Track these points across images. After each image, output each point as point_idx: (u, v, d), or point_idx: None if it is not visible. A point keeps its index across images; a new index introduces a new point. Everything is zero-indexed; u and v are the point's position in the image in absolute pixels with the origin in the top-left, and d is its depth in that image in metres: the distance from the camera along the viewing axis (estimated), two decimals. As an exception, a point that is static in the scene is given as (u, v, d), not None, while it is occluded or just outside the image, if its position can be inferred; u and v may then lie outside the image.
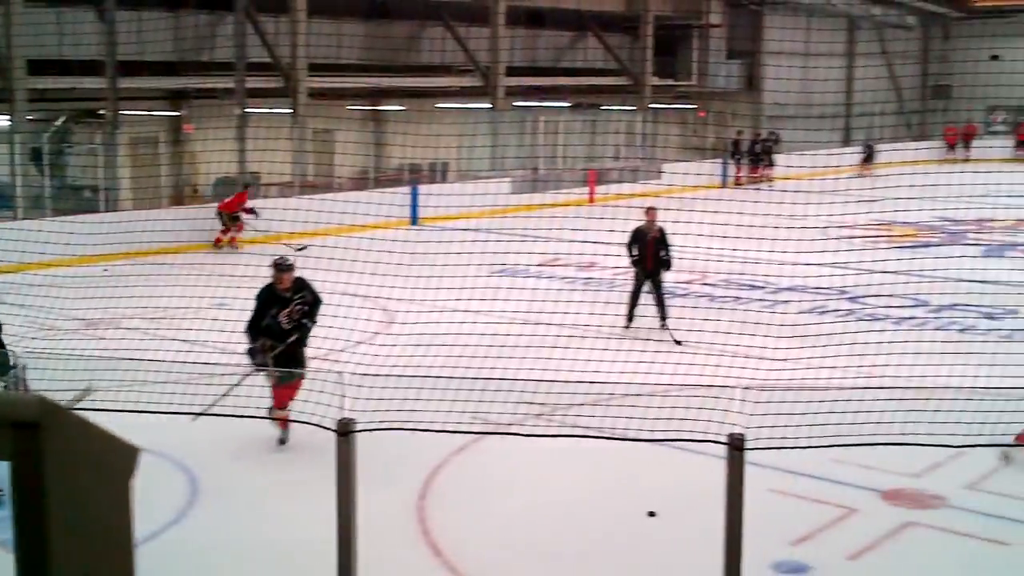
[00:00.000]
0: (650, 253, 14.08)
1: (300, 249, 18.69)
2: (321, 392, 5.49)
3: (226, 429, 8.62)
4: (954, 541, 8.13)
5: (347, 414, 4.48)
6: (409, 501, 8.61)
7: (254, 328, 9.80)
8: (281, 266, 9.94)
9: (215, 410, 7.06)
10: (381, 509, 8.27)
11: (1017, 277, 17.25)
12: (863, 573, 7.58)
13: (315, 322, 9.99)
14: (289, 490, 8.90)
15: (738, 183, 32.65)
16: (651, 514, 8.32)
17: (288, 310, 9.82)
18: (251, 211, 20.96)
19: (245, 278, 11.01)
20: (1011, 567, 7.74)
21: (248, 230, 20.98)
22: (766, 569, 7.45)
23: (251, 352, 9.77)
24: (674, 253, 14.39)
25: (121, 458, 2.61)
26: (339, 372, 6.73)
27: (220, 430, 8.70)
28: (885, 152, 34.69)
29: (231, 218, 21.16)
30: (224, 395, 8.75)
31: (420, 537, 8.01)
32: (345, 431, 4.36)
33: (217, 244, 21.14)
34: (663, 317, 14.04)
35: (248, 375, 9.38)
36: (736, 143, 33.83)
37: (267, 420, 9.57)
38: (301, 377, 9.34)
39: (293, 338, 9.80)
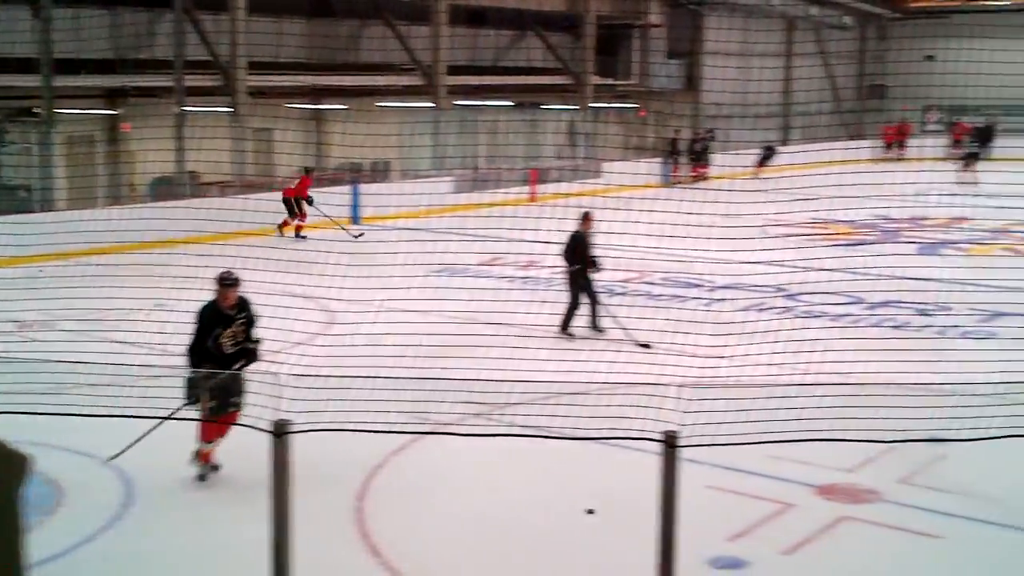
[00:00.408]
0: (588, 258, 13.96)
1: (358, 236, 18.59)
2: (257, 393, 5.46)
3: (161, 430, 8.54)
4: (888, 535, 8.25)
5: (283, 415, 4.47)
6: (348, 502, 8.59)
7: (197, 352, 8.94)
8: (227, 281, 9.12)
9: (145, 412, 6.97)
10: (319, 510, 8.25)
11: (950, 274, 17.56)
12: (798, 567, 7.67)
13: (259, 342, 9.22)
14: (225, 492, 8.84)
15: (675, 182, 32.87)
16: (590, 512, 8.37)
17: (232, 330, 9.03)
18: (308, 198, 21.87)
19: (187, 279, 10.91)
20: (944, 560, 7.87)
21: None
22: (703, 564, 7.53)
23: (191, 383, 8.78)
24: (615, 252, 14.49)
25: (7, 467, 2.52)
26: (275, 373, 6.70)
27: (155, 432, 8.61)
28: (815, 152, 35.03)
29: (297, 203, 22.01)
30: (152, 429, 8.41)
31: (359, 538, 7.99)
32: (280, 432, 4.34)
33: (282, 228, 21.89)
34: (598, 316, 13.97)
35: (179, 409, 8.58)
36: (674, 142, 34.09)
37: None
38: (238, 409, 8.74)
39: (240, 363, 8.97)
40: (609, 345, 13.06)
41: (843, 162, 33.00)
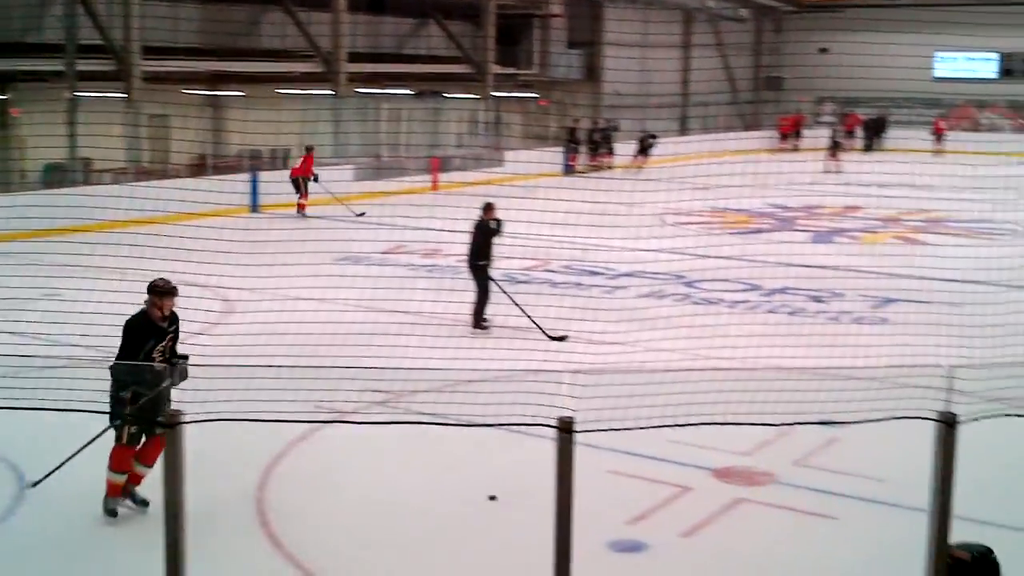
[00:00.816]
0: (477, 249, 13.72)
1: (360, 215, 18.42)
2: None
3: (54, 421, 8.34)
4: (783, 516, 8.43)
5: (177, 406, 4.40)
6: (248, 492, 8.49)
7: (124, 369, 7.89)
8: (163, 290, 8.13)
9: (41, 404, 6.74)
10: (220, 502, 8.15)
11: (843, 261, 17.97)
12: (696, 549, 7.80)
13: (186, 358, 8.23)
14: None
15: (573, 170, 33.10)
16: (492, 498, 8.40)
17: (163, 345, 8.07)
18: (313, 176, 22.98)
19: (78, 267, 10.69)
20: (838, 540, 8.05)
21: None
22: (603, 548, 7.62)
23: (117, 402, 7.80)
24: (517, 240, 14.53)
25: None
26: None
27: (48, 423, 8.41)
28: (709, 142, 35.61)
29: (304, 181, 22.98)
30: (76, 453, 7.80)
31: (259, 528, 7.91)
32: (172, 423, 4.27)
33: (300, 209, 22.95)
34: (481, 316, 13.68)
35: (104, 432, 7.86)
36: (572, 131, 34.31)
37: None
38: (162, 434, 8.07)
39: (168, 382, 7.80)
40: (512, 333, 13.09)
41: (740, 152, 33.65)
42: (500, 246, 14.06)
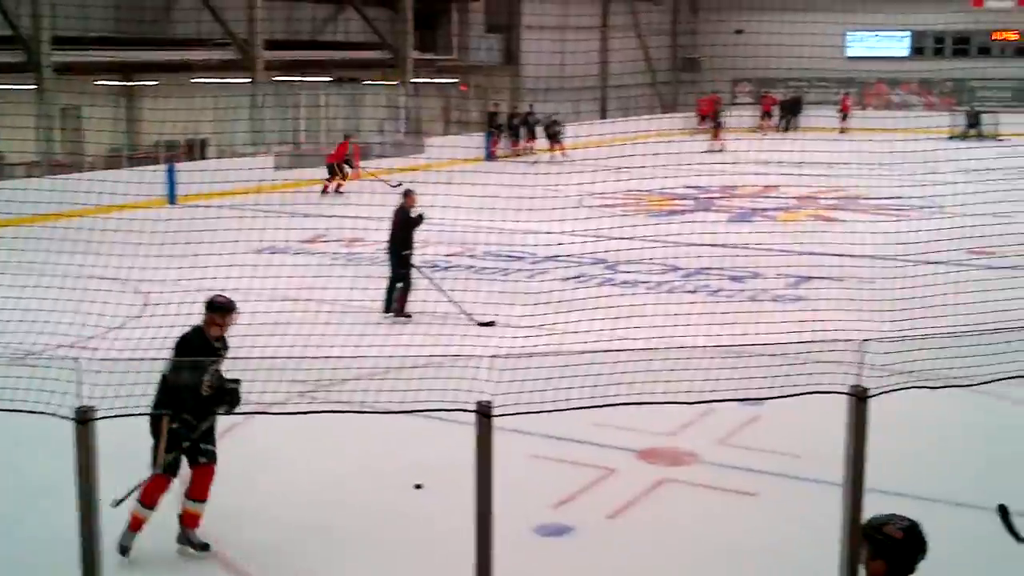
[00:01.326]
0: (395, 237, 13.63)
1: (396, 186, 18.01)
2: (56, 380, 5.25)
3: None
4: (707, 494, 8.54)
5: (87, 402, 4.33)
6: (173, 487, 8.37)
7: (177, 394, 7.03)
8: (228, 307, 7.40)
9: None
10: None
11: (760, 240, 18.20)
12: (622, 531, 7.87)
13: (239, 382, 7.24)
14: (39, 484, 8.52)
15: (495, 156, 33.12)
16: (418, 486, 8.40)
17: (216, 367, 7.21)
18: (347, 160, 25.06)
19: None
20: (761, 515, 8.18)
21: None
22: (529, 532, 7.66)
23: (172, 432, 7.06)
24: (439, 226, 14.50)
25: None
26: (75, 359, 6.47)
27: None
28: (623, 123, 35.79)
29: (339, 167, 25.01)
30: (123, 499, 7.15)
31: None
32: (84, 419, 4.20)
33: (334, 186, 24.88)
34: (402, 303, 13.58)
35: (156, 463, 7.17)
36: (493, 116, 34.29)
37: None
38: (212, 461, 7.24)
39: (224, 409, 7.13)
40: (431, 319, 13.07)
41: (658, 133, 33.87)
42: (423, 232, 14.03)
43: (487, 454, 3.97)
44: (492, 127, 33.95)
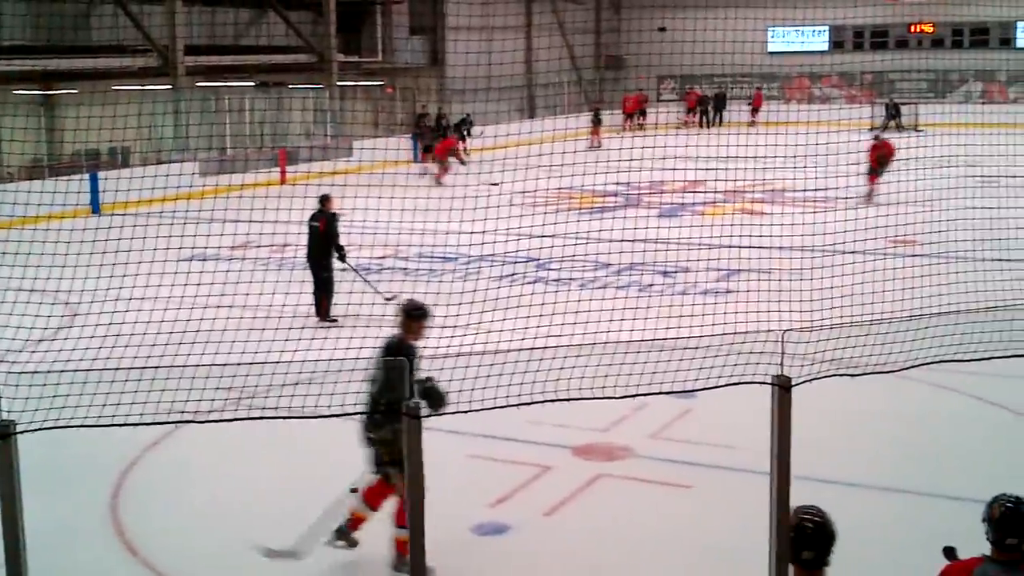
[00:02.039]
0: (321, 243, 13.79)
1: (495, 184, 17.66)
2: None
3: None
4: (642, 488, 8.62)
5: (8, 416, 4.26)
6: (101, 501, 8.28)
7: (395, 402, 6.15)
8: (424, 312, 7.51)
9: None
10: (73, 512, 7.93)
11: (689, 235, 18.37)
12: (559, 527, 7.92)
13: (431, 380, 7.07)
14: None
15: (424, 158, 33.07)
16: (353, 491, 8.36)
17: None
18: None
19: None
20: (695, 507, 8.27)
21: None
22: (467, 532, 7.67)
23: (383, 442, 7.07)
24: (371, 229, 14.46)
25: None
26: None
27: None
28: (551, 121, 35.91)
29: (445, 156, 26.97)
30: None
31: (115, 537, 7.72)
32: (4, 434, 4.13)
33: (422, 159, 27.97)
34: (328, 308, 13.78)
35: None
36: (420, 117, 34.24)
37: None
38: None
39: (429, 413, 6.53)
40: (368, 322, 13.02)
41: (586, 131, 34.03)
42: (353, 236, 14.01)
43: (418, 455, 3.98)
44: (420, 128, 33.90)
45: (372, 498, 7.35)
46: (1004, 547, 4.63)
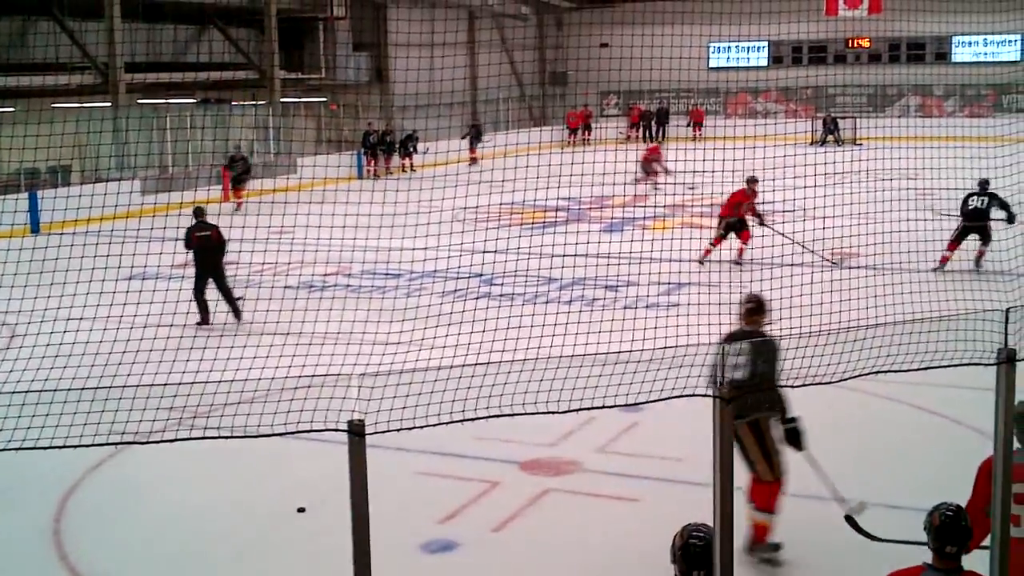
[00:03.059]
0: (215, 251, 14.72)
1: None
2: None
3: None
4: (590, 502, 8.64)
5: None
6: (44, 524, 8.15)
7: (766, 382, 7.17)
8: (764, 304, 7.93)
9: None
10: (14, 536, 7.80)
11: (634, 249, 18.46)
12: (507, 543, 7.92)
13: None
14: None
15: (375, 174, 33.07)
16: (300, 510, 8.32)
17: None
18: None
19: None
20: (642, 521, 8.29)
21: None
22: (415, 549, 7.65)
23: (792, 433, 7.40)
24: (316, 246, 14.45)
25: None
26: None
27: None
28: (495, 137, 36.02)
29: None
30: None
31: (57, 562, 7.61)
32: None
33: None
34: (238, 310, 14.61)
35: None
36: (367, 134, 34.22)
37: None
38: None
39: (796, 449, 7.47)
40: (299, 340, 12.95)
41: (530, 147, 34.13)
42: (296, 253, 13.98)
43: (361, 474, 3.96)
44: (367, 145, 33.96)
45: (759, 500, 7.45)
46: (944, 555, 4.71)
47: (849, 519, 5.17)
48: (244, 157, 28.36)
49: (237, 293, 14.71)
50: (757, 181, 18.05)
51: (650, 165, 27.79)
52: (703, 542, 4.44)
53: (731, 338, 7.80)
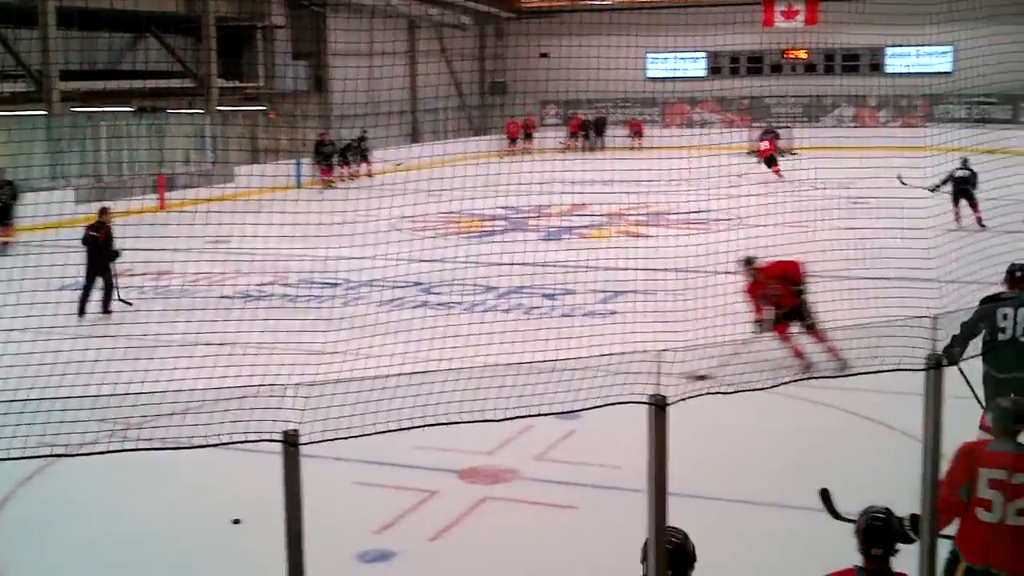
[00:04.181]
0: (103, 251, 15.15)
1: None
2: None
3: None
4: (528, 510, 8.64)
5: None
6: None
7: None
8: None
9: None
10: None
11: (572, 258, 18.54)
12: (445, 552, 7.89)
13: None
14: None
15: (327, 183, 32.99)
16: (236, 522, 8.23)
17: None
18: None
19: None
20: (580, 527, 8.32)
21: None
22: (352, 560, 7.60)
23: None
24: (254, 256, 14.32)
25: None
26: None
27: None
28: (435, 146, 36.04)
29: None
30: None
31: (-14, 578, 7.47)
32: None
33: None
34: (109, 304, 15.20)
35: None
36: (319, 143, 34.17)
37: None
38: None
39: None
40: (232, 350, 12.83)
41: (471, 156, 34.16)
42: (232, 263, 13.85)
43: (295, 483, 3.93)
44: (319, 154, 33.94)
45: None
46: (871, 557, 4.81)
47: (824, 494, 5.29)
48: (9, 182, 22.69)
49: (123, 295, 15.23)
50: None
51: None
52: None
53: (989, 299, 8.49)
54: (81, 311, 14.99)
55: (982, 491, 5.48)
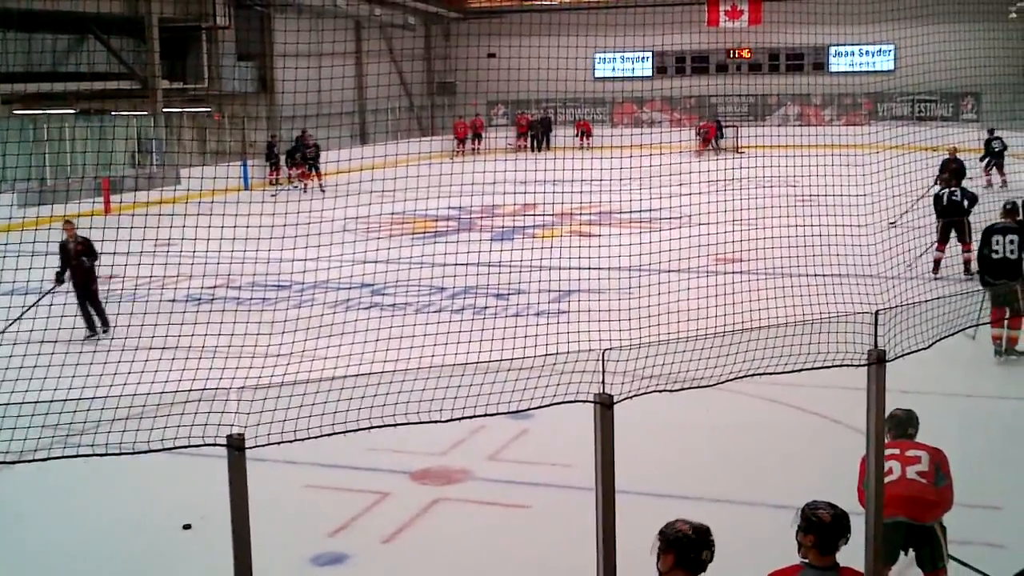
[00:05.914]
0: (77, 265, 14.91)
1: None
2: None
3: None
4: (480, 510, 8.67)
5: None
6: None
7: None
8: None
9: None
10: None
11: (521, 257, 18.57)
12: (397, 553, 7.90)
13: None
14: None
15: (276, 184, 32.77)
16: (187, 527, 8.19)
17: None
18: None
19: None
20: (533, 527, 8.36)
21: None
22: (305, 563, 7.59)
23: None
24: (201, 259, 14.22)
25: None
26: None
27: None
28: (383, 147, 35.92)
29: None
30: None
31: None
32: None
33: None
34: (105, 324, 14.92)
35: None
36: (270, 144, 33.98)
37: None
38: None
39: None
40: (188, 353, 12.74)
41: (421, 157, 34.11)
42: (182, 266, 13.78)
43: (242, 487, 3.93)
44: (270, 156, 33.73)
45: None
46: (819, 552, 4.87)
47: None
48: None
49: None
50: None
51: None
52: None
53: (993, 229, 12.33)
54: (91, 327, 14.92)
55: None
